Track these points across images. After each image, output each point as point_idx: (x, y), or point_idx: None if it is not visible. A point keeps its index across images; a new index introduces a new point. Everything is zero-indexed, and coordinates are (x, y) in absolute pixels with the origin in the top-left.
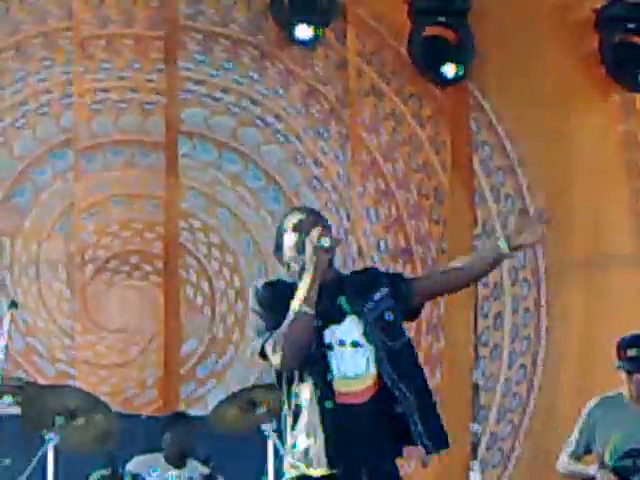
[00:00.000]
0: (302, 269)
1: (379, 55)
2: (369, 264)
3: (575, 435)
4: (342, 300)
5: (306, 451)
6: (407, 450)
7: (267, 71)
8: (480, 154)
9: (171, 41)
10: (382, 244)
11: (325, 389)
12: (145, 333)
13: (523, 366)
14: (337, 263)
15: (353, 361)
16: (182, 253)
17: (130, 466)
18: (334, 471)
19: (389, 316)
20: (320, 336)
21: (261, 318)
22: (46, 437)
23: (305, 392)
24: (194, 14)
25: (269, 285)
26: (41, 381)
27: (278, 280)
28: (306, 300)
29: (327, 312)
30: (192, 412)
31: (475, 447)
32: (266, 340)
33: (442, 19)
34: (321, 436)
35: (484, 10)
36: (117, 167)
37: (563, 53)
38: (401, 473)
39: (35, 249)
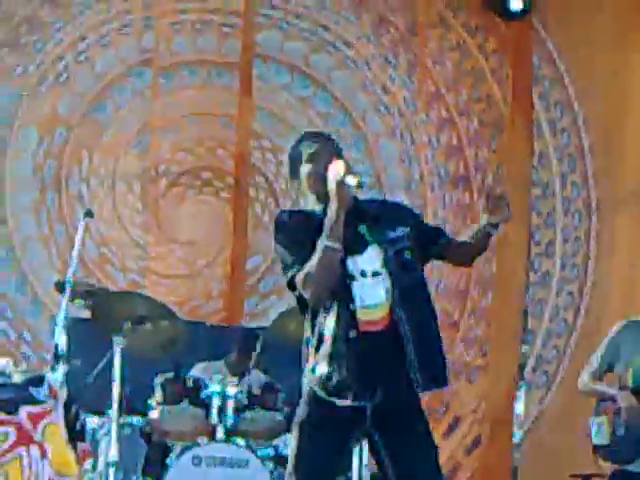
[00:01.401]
0: (319, 197)
1: None
2: (429, 189)
3: (600, 353)
4: (363, 229)
5: (327, 378)
6: (454, 367)
7: (342, 2)
8: (540, 88)
9: None
10: (442, 170)
11: (349, 319)
12: (213, 247)
13: (571, 293)
14: (401, 186)
15: (374, 291)
16: (252, 171)
17: (193, 371)
18: (357, 403)
19: (407, 254)
20: (343, 266)
21: (288, 250)
22: (114, 340)
23: (329, 321)
24: None
25: (294, 214)
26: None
27: (300, 210)
28: (332, 235)
29: (349, 242)
30: (254, 325)
31: (522, 368)
32: (295, 273)
33: None
34: (344, 366)
35: None
36: (193, 86)
37: None
38: (448, 389)
39: (112, 163)
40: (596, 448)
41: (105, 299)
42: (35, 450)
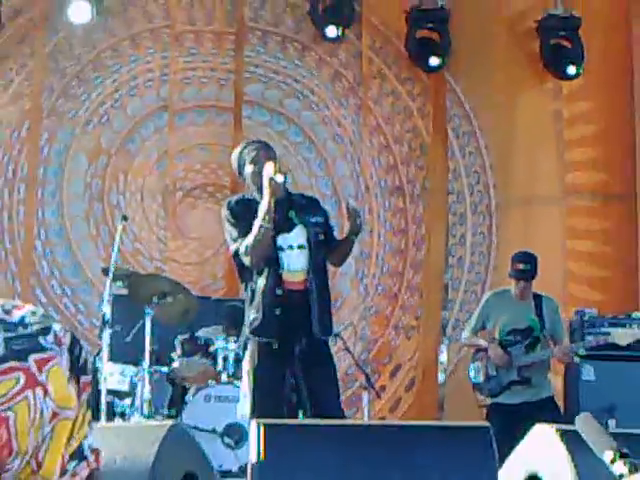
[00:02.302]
0: (258, 188)
1: (384, 49)
2: (373, 197)
3: (475, 316)
4: (292, 214)
5: (253, 320)
6: (396, 326)
7: (306, 59)
8: (452, 122)
9: (240, 36)
10: (382, 183)
11: (277, 280)
12: (216, 241)
13: (478, 273)
14: (352, 196)
15: (298, 259)
16: (242, 186)
17: (200, 333)
18: (273, 341)
19: (321, 236)
20: (274, 241)
21: (234, 227)
22: (145, 311)
23: (261, 281)
24: (256, 17)
25: (239, 201)
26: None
27: (244, 196)
28: (266, 218)
29: (280, 222)
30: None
31: (444, 328)
32: (239, 246)
33: (430, 25)
34: (269, 315)
35: (459, 21)
36: (199, 124)
37: (514, 51)
38: (391, 344)
39: (141, 181)
40: (474, 385)
41: (138, 280)
42: (39, 390)
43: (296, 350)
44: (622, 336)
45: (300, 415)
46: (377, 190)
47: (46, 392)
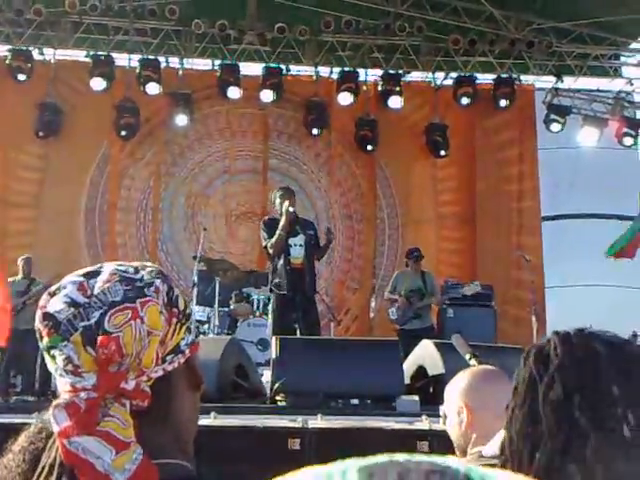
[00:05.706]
0: (280, 214)
1: (343, 141)
2: (338, 220)
3: (391, 283)
4: (297, 228)
5: (276, 283)
6: (347, 288)
7: (301, 146)
8: (378, 181)
9: (266, 133)
10: (341, 213)
11: (288, 261)
12: (252, 242)
13: (392, 260)
14: (324, 219)
15: (299, 252)
16: (268, 212)
17: (244, 290)
18: (288, 293)
19: (313, 241)
20: (287, 241)
21: (266, 232)
22: (215, 278)
23: (280, 262)
24: (274, 124)
25: (270, 219)
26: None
27: (272, 216)
28: (282, 229)
29: (291, 232)
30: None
31: (373, 289)
32: (267, 243)
33: (367, 128)
34: (284, 280)
35: (383, 126)
36: (244, 180)
37: (412, 142)
38: (345, 298)
39: (213, 210)
40: (391, 319)
41: (211, 262)
42: (139, 320)
43: (297, 299)
44: (468, 290)
45: (298, 333)
46: (338, 216)
47: (143, 321)
